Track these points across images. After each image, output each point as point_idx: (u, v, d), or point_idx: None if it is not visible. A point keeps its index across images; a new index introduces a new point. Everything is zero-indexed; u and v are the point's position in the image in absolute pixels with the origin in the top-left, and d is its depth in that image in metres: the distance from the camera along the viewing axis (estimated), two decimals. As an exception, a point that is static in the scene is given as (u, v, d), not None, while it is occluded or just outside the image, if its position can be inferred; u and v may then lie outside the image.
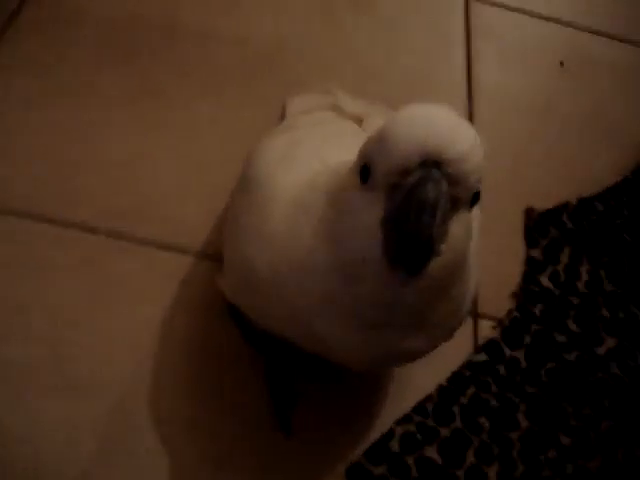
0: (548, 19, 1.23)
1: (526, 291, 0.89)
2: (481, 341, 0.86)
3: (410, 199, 0.43)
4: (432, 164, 0.43)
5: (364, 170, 0.46)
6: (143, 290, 0.80)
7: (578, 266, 0.93)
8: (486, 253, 0.89)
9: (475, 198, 0.46)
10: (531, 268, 0.92)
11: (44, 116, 0.90)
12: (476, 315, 0.87)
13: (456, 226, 0.46)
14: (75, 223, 0.83)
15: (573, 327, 0.88)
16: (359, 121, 0.77)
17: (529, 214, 0.97)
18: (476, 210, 0.50)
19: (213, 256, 0.83)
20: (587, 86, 1.15)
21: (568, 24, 1.23)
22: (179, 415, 0.73)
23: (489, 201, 0.94)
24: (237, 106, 0.98)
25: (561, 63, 1.16)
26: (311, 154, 0.60)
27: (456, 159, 0.43)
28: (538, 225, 0.96)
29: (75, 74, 0.95)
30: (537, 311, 0.88)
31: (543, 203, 0.99)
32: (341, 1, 1.16)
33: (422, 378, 0.81)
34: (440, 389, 0.80)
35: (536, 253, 0.93)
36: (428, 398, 0.80)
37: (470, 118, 1.06)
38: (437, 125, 0.44)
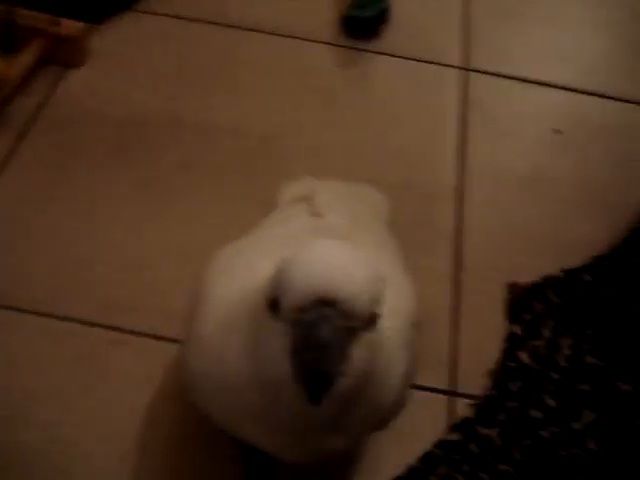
0: (541, 84, 1.26)
1: (504, 368, 0.92)
2: (455, 420, 0.89)
3: (306, 337, 0.48)
4: (326, 303, 0.48)
5: (274, 302, 0.51)
6: (134, 379, 0.88)
7: (560, 340, 0.95)
8: (467, 330, 0.94)
9: (373, 319, 0.51)
10: (511, 344, 0.95)
11: (49, 215, 1.01)
12: (452, 394, 0.91)
13: (357, 350, 0.50)
14: (73, 318, 0.91)
15: (550, 402, 0.90)
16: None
17: (512, 289, 1.00)
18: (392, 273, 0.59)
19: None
20: (577, 151, 1.17)
21: (562, 87, 1.25)
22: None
23: (473, 278, 0.99)
24: (235, 196, 1.05)
25: (555, 130, 1.18)
26: (246, 267, 0.65)
27: (348, 298, 0.48)
28: (521, 300, 0.98)
29: (89, 171, 1.06)
30: (514, 388, 0.91)
31: (528, 276, 1.01)
32: (339, 83, 1.22)
33: (394, 458, 0.85)
34: (410, 469, 0.84)
35: (517, 329, 0.96)
36: (397, 479, 0.84)
37: (461, 195, 1.10)
38: (330, 267, 0.49)
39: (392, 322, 0.59)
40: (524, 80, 1.28)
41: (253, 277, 0.60)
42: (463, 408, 0.90)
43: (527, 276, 1.02)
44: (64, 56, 1.19)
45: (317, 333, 0.47)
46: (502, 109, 1.23)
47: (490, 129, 1.19)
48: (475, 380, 0.92)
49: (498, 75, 1.28)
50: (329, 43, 1.30)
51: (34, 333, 0.90)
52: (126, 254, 0.98)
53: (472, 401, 0.90)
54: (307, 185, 0.91)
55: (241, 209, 1.02)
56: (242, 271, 0.65)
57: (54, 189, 1.04)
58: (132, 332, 0.92)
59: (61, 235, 0.99)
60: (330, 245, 0.52)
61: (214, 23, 1.30)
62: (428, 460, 0.85)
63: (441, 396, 0.91)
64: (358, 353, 0.50)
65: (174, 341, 0.91)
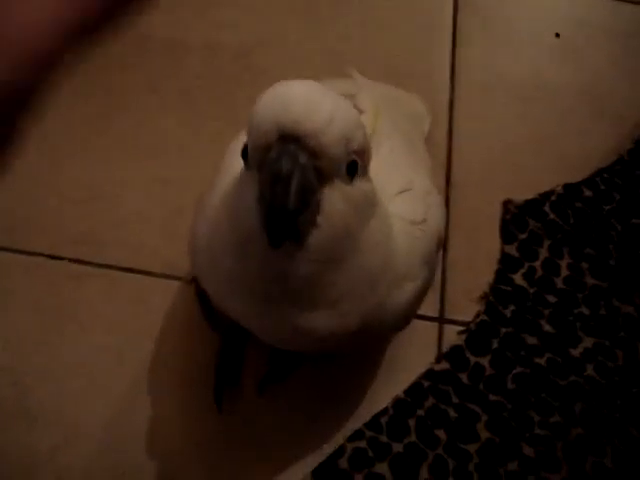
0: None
1: (497, 291, 0.86)
2: (446, 348, 0.83)
3: (269, 175, 0.44)
4: (289, 139, 0.44)
5: (244, 150, 0.48)
6: (103, 315, 0.82)
7: (558, 260, 0.89)
8: (458, 252, 0.87)
9: (352, 168, 0.46)
10: (505, 266, 0.88)
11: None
12: (442, 320, 0.85)
13: (331, 198, 0.46)
14: (37, 252, 0.85)
15: (547, 328, 0.84)
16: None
17: (507, 207, 0.93)
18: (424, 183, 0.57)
19: (175, 277, 0.84)
20: (581, 58, 1.08)
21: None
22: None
23: (466, 195, 0.92)
24: (206, 119, 0.97)
25: (556, 34, 1.08)
26: None
27: (312, 133, 0.44)
28: (516, 218, 0.91)
29: (49, 101, 0.97)
30: (508, 313, 0.85)
31: (525, 193, 0.94)
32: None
33: (382, 390, 0.80)
34: (396, 401, 0.79)
35: (512, 249, 0.89)
36: (383, 412, 0.79)
37: (451, 104, 1.02)
38: (293, 101, 0.44)
39: (420, 233, 0.57)
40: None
41: None
42: (453, 335, 0.84)
43: (524, 194, 0.94)
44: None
45: (276, 168, 0.43)
46: (498, 11, 1.13)
47: (484, 35, 1.09)
48: (466, 305, 0.86)
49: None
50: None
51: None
52: (92, 185, 0.90)
53: (463, 327, 0.84)
54: (352, 82, 0.85)
55: (215, 131, 0.94)
56: None
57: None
58: (99, 265, 0.85)
59: (21, 169, 0.92)
60: (299, 83, 0.47)
61: None
62: (415, 392, 0.80)
63: (430, 323, 0.85)
64: (332, 203, 0.46)
65: (143, 273, 0.85)
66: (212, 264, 0.55)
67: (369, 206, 0.50)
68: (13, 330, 0.81)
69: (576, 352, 0.83)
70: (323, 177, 0.45)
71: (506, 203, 0.93)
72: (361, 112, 0.70)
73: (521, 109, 1.02)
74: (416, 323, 0.83)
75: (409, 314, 0.60)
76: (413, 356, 0.83)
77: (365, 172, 0.49)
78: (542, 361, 0.82)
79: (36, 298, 0.83)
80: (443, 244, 0.86)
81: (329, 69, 0.99)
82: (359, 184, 0.48)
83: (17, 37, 0.28)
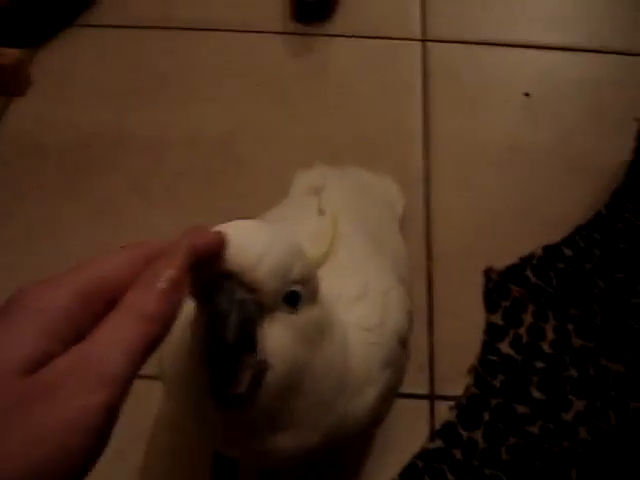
0: (507, 45, 1.18)
1: (485, 363, 0.88)
2: (438, 425, 0.84)
3: (208, 312, 0.45)
4: (227, 276, 0.44)
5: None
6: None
7: (543, 324, 0.90)
8: (443, 325, 0.89)
9: (292, 298, 0.47)
10: (490, 336, 0.90)
11: (5, 256, 0.97)
12: (432, 397, 0.86)
13: (275, 331, 0.47)
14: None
15: (537, 395, 0.85)
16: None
17: (488, 275, 0.94)
18: (382, 283, 0.58)
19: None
20: (552, 114, 1.10)
21: (529, 45, 1.18)
22: None
23: (448, 266, 0.94)
24: (195, 209, 1.01)
25: (526, 94, 1.11)
26: None
27: (245, 268, 0.44)
28: (498, 286, 0.93)
29: (29, 205, 1.02)
30: (497, 383, 0.86)
31: (507, 259, 0.96)
32: (294, 74, 1.16)
33: (376, 472, 0.82)
34: (392, 485, 0.80)
35: (496, 318, 0.91)
36: (380, 497, 0.80)
37: (426, 175, 1.04)
38: (231, 240, 0.45)
39: (376, 337, 0.58)
40: (486, 43, 1.20)
41: None
42: (445, 411, 0.85)
43: (506, 259, 0.96)
44: (4, 86, 1.14)
45: (216, 304, 0.44)
46: (466, 77, 1.16)
47: (455, 102, 1.12)
48: (456, 379, 0.87)
49: (458, 42, 1.20)
50: (280, 32, 1.24)
51: None
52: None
53: (453, 402, 0.85)
54: (319, 175, 0.87)
55: (203, 221, 0.97)
56: None
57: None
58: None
59: (10, 279, 0.96)
60: (237, 222, 0.48)
61: (158, 27, 1.24)
62: (410, 473, 0.81)
63: (421, 401, 0.87)
64: (278, 335, 0.47)
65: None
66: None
67: (319, 333, 0.51)
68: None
69: (568, 416, 0.84)
70: (264, 310, 0.46)
71: (487, 272, 0.95)
72: (322, 213, 0.73)
73: (497, 173, 1.04)
74: (407, 402, 0.85)
75: (374, 416, 0.61)
76: (406, 436, 0.84)
77: (313, 298, 0.50)
78: (535, 429, 0.83)
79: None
80: (428, 323, 0.89)
81: (307, 154, 1.03)
82: (306, 312, 0.49)
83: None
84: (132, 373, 0.32)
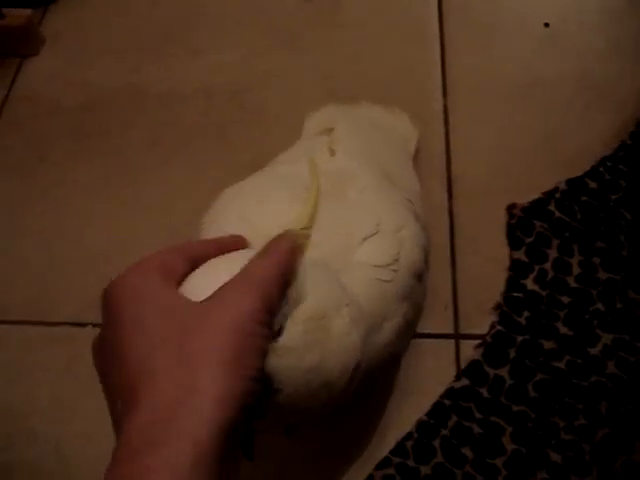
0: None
1: (510, 300, 0.87)
2: (464, 364, 0.84)
3: None
4: None
5: None
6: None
7: (568, 259, 0.89)
8: (466, 264, 0.88)
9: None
10: (515, 273, 0.88)
11: (26, 218, 0.98)
12: (457, 336, 0.86)
13: (272, 366, 0.45)
14: (61, 322, 0.89)
15: (563, 330, 0.84)
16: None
17: (511, 211, 0.93)
18: (395, 219, 0.59)
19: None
20: (573, 45, 1.06)
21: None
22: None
23: (469, 204, 0.92)
24: (211, 163, 1.00)
25: (545, 24, 1.07)
26: (238, 217, 0.60)
27: None
28: (522, 222, 0.91)
29: (46, 168, 1.02)
30: (523, 320, 0.85)
31: (531, 195, 0.94)
32: (300, 24, 1.14)
33: (404, 414, 0.82)
34: (419, 424, 0.81)
35: (520, 254, 0.89)
36: (408, 436, 0.80)
37: (445, 113, 1.02)
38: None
39: (389, 274, 0.57)
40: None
41: (244, 230, 0.56)
42: (470, 350, 0.85)
43: (528, 195, 0.94)
44: (16, 47, 1.14)
45: None
46: (484, 9, 1.12)
47: (472, 37, 1.09)
48: (481, 318, 0.87)
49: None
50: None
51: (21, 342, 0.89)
52: (98, 251, 0.95)
53: (479, 341, 0.85)
54: (329, 115, 0.86)
55: (219, 176, 0.96)
56: (233, 222, 0.60)
57: (18, 194, 1.01)
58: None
59: (29, 239, 0.97)
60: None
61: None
62: (437, 412, 0.81)
63: (446, 341, 0.86)
64: (275, 367, 0.46)
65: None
66: None
67: (316, 329, 0.49)
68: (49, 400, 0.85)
69: (595, 351, 0.83)
70: None
71: (510, 207, 0.93)
72: (333, 153, 0.72)
73: (517, 108, 1.02)
74: (432, 343, 0.85)
75: (393, 351, 0.61)
76: (432, 376, 0.84)
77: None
78: (562, 365, 0.82)
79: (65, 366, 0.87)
80: (452, 262, 0.88)
81: (321, 97, 1.01)
82: (287, 332, 0.47)
83: None
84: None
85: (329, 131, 0.79)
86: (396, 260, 0.59)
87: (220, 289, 0.42)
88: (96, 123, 1.06)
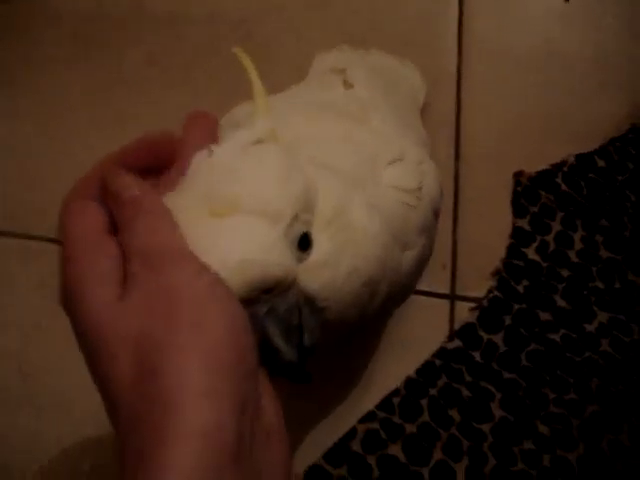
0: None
1: (509, 267, 0.84)
2: (457, 326, 0.81)
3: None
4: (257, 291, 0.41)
5: None
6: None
7: (571, 233, 0.87)
8: (468, 227, 0.85)
9: (304, 242, 0.43)
10: (517, 240, 0.86)
11: (12, 128, 0.91)
12: (453, 297, 0.83)
13: (310, 282, 0.44)
14: (37, 236, 0.83)
15: (561, 303, 0.82)
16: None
17: (518, 179, 0.90)
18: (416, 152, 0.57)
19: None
20: (591, 22, 1.04)
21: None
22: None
23: (476, 168, 0.89)
24: (207, 92, 0.95)
25: (566, 0, 1.05)
26: None
27: (254, 287, 0.41)
28: (527, 191, 0.89)
29: (43, 76, 0.95)
30: (521, 288, 0.83)
31: (537, 165, 0.91)
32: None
33: (393, 370, 0.79)
34: (408, 381, 0.78)
35: (523, 223, 0.87)
36: (395, 392, 0.77)
37: (458, 75, 0.99)
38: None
39: (413, 200, 0.56)
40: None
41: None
42: (465, 312, 0.82)
43: (535, 165, 0.92)
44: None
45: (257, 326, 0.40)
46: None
47: (492, 3, 1.06)
48: (478, 281, 0.84)
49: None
50: None
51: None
52: (87, 166, 0.88)
53: (475, 304, 0.82)
54: (341, 56, 0.84)
55: (219, 101, 0.91)
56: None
57: (13, 102, 0.94)
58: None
59: (19, 149, 0.90)
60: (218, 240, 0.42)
61: None
62: (427, 371, 0.78)
63: (442, 301, 0.83)
64: (312, 282, 0.44)
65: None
66: None
67: (346, 240, 0.46)
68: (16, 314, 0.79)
69: (591, 327, 0.81)
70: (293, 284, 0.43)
71: (517, 175, 0.90)
72: (348, 87, 0.68)
73: (531, 79, 0.99)
74: (427, 300, 0.82)
75: (409, 283, 0.59)
76: (424, 334, 0.81)
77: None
78: (557, 337, 0.80)
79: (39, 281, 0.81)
80: (453, 222, 0.85)
81: (329, 38, 0.96)
82: (315, 247, 0.44)
83: None
84: None
85: (340, 72, 0.75)
86: (419, 189, 0.57)
87: None
88: (96, 35, 0.99)
